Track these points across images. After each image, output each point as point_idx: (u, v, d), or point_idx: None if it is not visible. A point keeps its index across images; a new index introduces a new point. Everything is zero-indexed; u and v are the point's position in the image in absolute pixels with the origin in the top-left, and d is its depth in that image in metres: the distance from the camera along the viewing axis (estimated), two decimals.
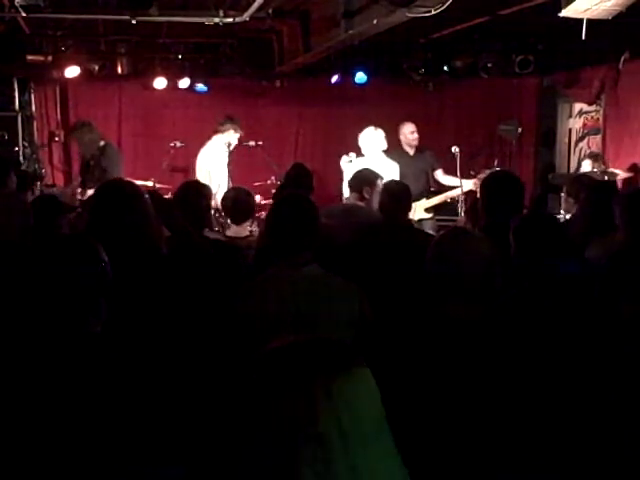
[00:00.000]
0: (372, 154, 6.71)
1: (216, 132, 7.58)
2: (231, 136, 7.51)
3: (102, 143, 6.93)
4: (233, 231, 4.81)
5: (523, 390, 2.03)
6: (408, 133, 7.37)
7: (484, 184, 3.97)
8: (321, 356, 1.22)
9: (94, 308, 1.96)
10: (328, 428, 1.16)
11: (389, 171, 6.36)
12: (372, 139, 6.74)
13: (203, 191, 4.16)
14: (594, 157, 7.30)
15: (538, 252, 2.93)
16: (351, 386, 1.19)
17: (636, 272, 2.69)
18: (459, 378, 2.02)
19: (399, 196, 4.35)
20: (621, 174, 6.84)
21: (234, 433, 1.24)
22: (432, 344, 2.08)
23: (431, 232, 5.73)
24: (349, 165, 6.71)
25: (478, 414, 2.00)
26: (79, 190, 6.40)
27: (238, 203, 4.81)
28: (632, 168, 7.16)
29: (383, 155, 6.76)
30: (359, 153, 6.88)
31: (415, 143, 7.38)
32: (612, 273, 2.80)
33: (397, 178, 6.38)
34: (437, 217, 7.24)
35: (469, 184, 7.02)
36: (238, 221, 4.80)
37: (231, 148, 7.47)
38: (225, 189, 6.24)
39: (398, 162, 6.86)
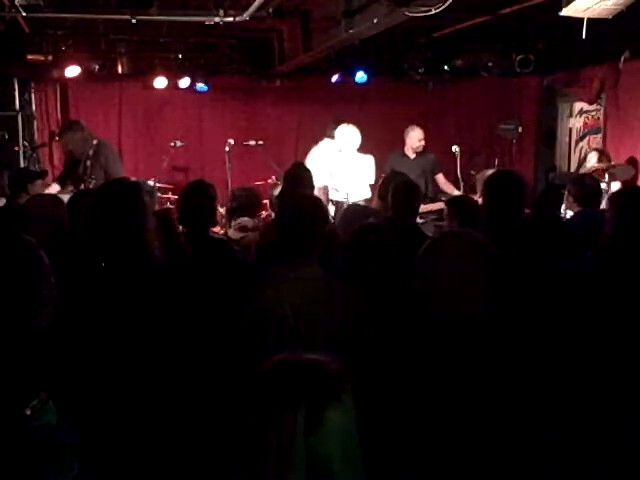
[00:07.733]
0: (348, 149, 6.77)
1: (327, 136, 7.30)
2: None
3: (95, 141, 6.58)
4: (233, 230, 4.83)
5: (528, 392, 2.02)
6: (416, 139, 7.32)
7: (485, 185, 3.92)
8: (312, 381, 1.16)
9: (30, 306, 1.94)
10: (299, 458, 1.10)
11: (366, 164, 6.48)
12: (348, 135, 6.78)
13: (208, 191, 4.15)
14: (600, 151, 7.31)
15: (540, 252, 2.91)
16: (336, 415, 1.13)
17: (621, 268, 2.68)
18: (461, 380, 2.01)
19: (407, 196, 4.35)
20: None
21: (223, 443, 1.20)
22: (431, 346, 2.07)
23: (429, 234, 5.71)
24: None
25: (481, 416, 1.99)
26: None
27: (238, 202, 4.84)
28: (633, 166, 7.15)
29: (356, 150, 6.86)
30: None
31: (420, 150, 7.36)
32: (597, 269, 2.80)
33: (373, 169, 6.57)
34: (436, 219, 7.21)
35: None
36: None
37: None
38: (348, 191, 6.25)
39: (398, 164, 6.88)
